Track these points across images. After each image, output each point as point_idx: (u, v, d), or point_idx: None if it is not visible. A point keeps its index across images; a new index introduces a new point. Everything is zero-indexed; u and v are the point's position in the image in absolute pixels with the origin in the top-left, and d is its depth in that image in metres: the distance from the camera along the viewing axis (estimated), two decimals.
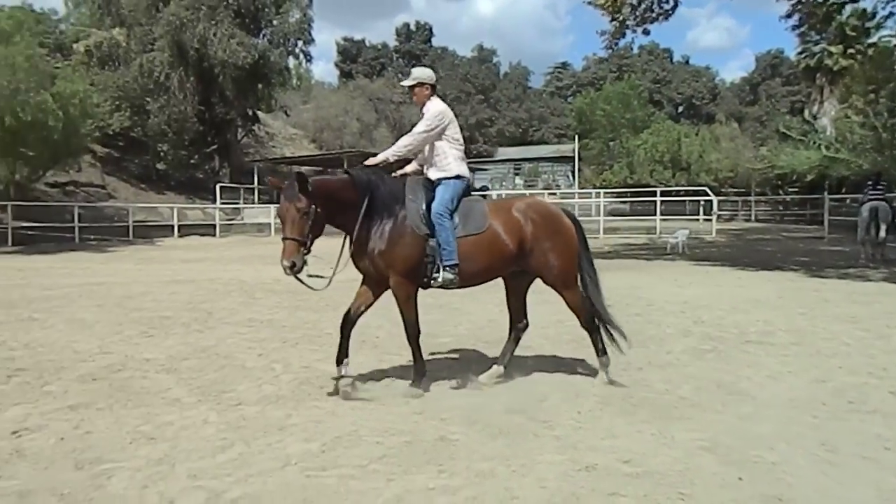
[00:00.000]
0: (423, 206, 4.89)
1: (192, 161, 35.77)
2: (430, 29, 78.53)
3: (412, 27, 78.52)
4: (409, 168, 5.42)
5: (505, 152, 64.94)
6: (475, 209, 5.06)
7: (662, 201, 27.36)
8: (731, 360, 6.07)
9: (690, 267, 14.62)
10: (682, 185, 39.13)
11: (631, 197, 36.61)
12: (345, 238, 4.95)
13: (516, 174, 60.07)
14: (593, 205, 34.19)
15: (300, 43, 37.59)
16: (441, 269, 4.83)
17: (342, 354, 4.99)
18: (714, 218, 26.76)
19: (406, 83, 5.34)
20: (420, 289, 5.03)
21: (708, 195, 27.47)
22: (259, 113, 41.19)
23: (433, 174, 5.14)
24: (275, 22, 36.23)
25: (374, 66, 74.46)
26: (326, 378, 5.32)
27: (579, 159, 52.46)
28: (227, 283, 12.10)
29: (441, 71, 72.44)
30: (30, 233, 22.06)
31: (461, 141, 5.30)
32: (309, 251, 4.56)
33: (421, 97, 5.27)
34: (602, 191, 34.94)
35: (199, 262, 16.90)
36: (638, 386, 5.16)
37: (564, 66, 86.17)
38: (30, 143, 22.53)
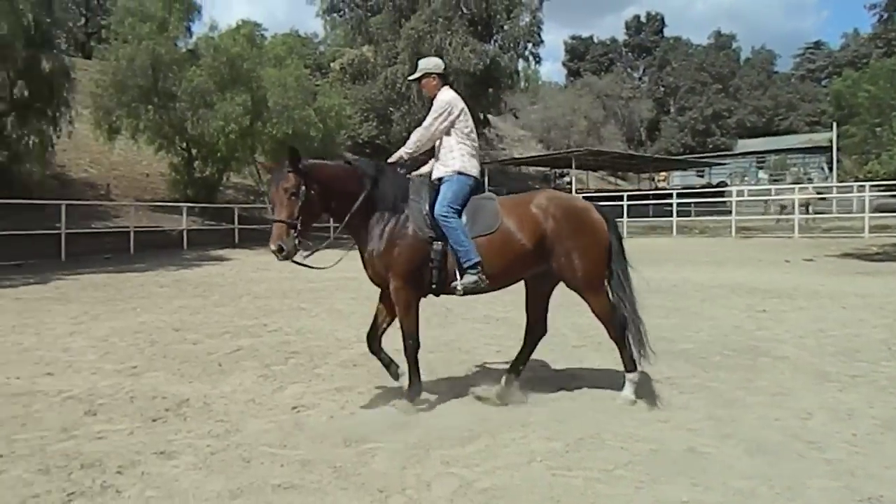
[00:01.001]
0: (427, 207, 4.55)
1: None
2: (662, 19, 75.19)
3: (642, 19, 75.73)
4: (424, 168, 5.00)
5: (746, 144, 59.90)
6: (485, 208, 4.65)
7: None
8: None
9: None
10: None
11: None
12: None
13: (759, 168, 55.06)
14: (856, 200, 30.14)
15: (529, 45, 38.12)
16: (462, 274, 4.47)
17: (392, 369, 4.86)
18: None
19: (412, 77, 5.05)
20: (434, 296, 4.70)
21: None
22: (489, 116, 42.57)
23: (436, 172, 4.80)
24: (505, 27, 37.15)
25: (603, 62, 73.11)
26: (563, 378, 5.33)
27: (837, 149, 46.59)
28: None
29: (674, 62, 69.01)
30: None
31: (473, 136, 4.88)
32: (303, 235, 4.27)
33: (430, 88, 4.95)
34: (867, 184, 30.64)
35: None
36: None
37: (818, 45, 76.98)
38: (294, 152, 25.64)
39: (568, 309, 8.59)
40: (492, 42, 37.37)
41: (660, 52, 71.93)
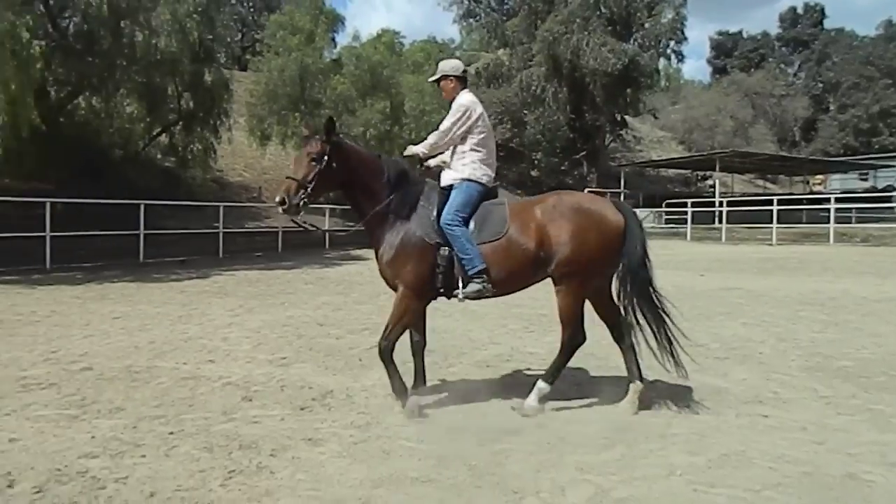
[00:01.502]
0: (434, 214, 4.54)
1: (562, 167, 37.73)
2: (822, 10, 69.48)
3: (799, 10, 70.48)
4: (432, 161, 4.94)
5: None
6: (493, 213, 4.58)
7: None
8: None
9: None
10: None
11: None
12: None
13: None
14: None
15: (672, 43, 36.79)
16: (467, 282, 4.44)
17: (419, 381, 4.91)
18: None
19: (432, 79, 5.02)
20: (445, 298, 4.68)
21: None
22: (626, 117, 41.41)
23: (445, 178, 4.76)
24: (646, 25, 36.02)
25: (752, 58, 68.72)
26: (705, 390, 5.09)
27: None
28: None
29: (835, 55, 63.81)
30: None
31: (486, 142, 4.79)
32: (309, 200, 4.46)
33: (448, 91, 4.88)
34: None
35: None
36: None
37: None
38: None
39: (710, 319, 8.22)
40: (631, 41, 36.34)
41: (818, 46, 66.63)
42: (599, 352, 6.56)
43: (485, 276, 4.43)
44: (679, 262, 17.90)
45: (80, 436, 4.07)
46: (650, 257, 4.63)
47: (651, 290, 4.62)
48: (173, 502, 3.20)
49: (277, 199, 4.46)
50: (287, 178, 4.53)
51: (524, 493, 3.31)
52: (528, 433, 4.16)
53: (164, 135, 21.13)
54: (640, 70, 35.36)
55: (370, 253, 18.97)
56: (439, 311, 9.26)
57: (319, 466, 3.64)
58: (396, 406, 4.75)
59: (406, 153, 4.87)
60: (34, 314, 8.83)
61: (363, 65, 23.54)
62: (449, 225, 4.47)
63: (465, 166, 4.71)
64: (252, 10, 45.60)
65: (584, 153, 38.38)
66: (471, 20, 42.91)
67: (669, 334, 4.63)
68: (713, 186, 39.22)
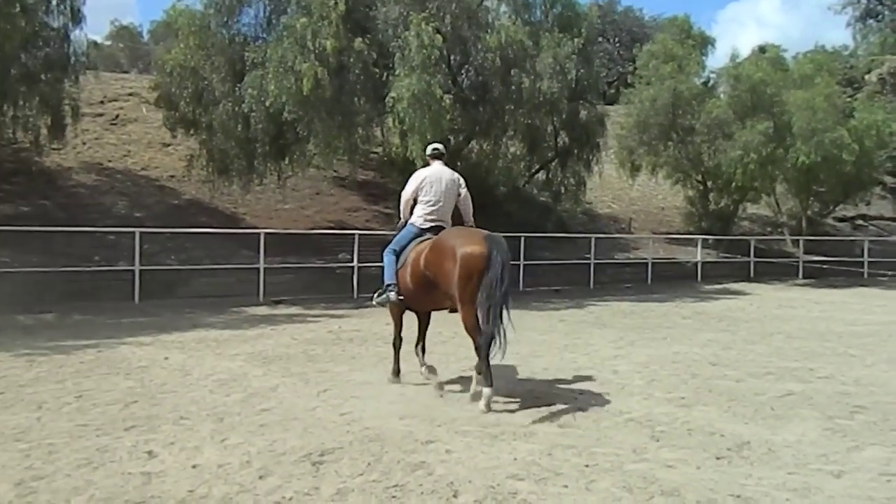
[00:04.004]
0: None
1: None
2: None
3: None
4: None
5: None
6: (410, 246, 6.12)
7: None
8: None
9: None
10: None
11: None
12: None
13: None
14: None
15: None
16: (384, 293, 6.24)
17: (423, 368, 6.51)
18: None
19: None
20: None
21: None
22: None
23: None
24: None
25: None
26: None
27: None
28: None
29: None
30: (821, 266, 22.67)
31: (431, 197, 6.25)
32: None
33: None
34: None
35: None
36: None
37: None
38: (821, 179, 23.21)
39: None
40: None
41: None
42: None
43: (392, 288, 6.10)
44: None
45: (503, 455, 4.27)
46: (505, 282, 5.30)
47: (500, 310, 5.33)
48: None
49: None
50: None
51: None
52: None
53: (541, 171, 22.47)
54: None
55: (750, 287, 17.85)
56: (856, 360, 7.90)
57: None
58: (835, 471, 4.04)
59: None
60: (440, 334, 9.95)
61: (742, 85, 21.91)
62: (384, 254, 6.31)
63: (415, 215, 6.31)
64: (618, 44, 46.37)
65: None
66: (870, 21, 37.18)
67: (494, 349, 5.35)
68: None
